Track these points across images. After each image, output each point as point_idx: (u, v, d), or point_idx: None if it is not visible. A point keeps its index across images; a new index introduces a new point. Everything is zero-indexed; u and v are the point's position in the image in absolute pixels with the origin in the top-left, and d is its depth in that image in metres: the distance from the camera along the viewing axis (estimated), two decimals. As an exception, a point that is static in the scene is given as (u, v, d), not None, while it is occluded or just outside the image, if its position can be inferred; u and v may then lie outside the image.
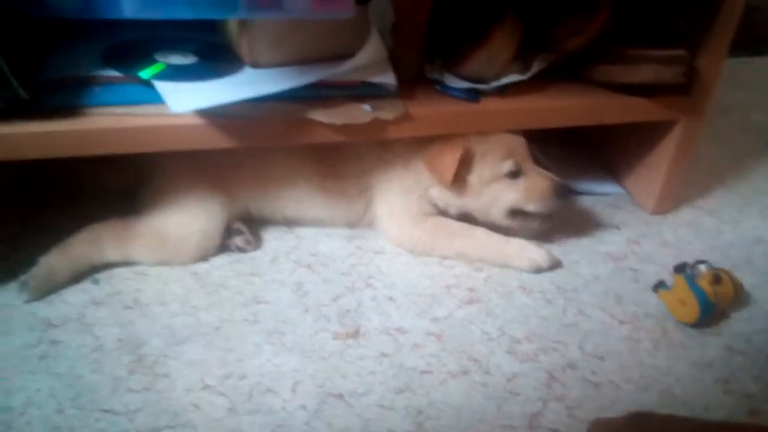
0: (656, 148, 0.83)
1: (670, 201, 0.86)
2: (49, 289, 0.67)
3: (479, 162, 0.73)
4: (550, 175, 0.74)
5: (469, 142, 0.72)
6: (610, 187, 0.91)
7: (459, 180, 0.73)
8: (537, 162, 0.85)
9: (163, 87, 0.62)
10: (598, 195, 0.90)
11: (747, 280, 0.76)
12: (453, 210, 0.77)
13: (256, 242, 0.77)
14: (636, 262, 0.78)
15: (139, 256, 0.71)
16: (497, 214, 0.75)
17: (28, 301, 0.66)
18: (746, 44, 1.69)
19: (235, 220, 0.76)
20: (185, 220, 0.72)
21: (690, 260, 0.73)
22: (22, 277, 0.67)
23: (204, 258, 0.74)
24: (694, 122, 0.78)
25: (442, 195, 0.75)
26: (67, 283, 0.68)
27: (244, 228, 0.76)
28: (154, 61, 0.67)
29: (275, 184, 0.76)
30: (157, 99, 0.62)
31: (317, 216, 0.79)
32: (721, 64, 0.74)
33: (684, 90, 0.75)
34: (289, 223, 0.80)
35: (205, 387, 0.59)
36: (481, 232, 0.76)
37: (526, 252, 0.75)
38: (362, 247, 0.79)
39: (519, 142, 0.74)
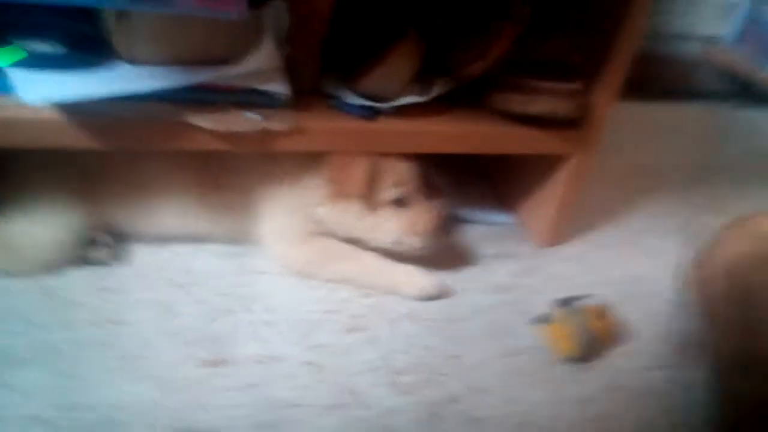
0: (549, 181, 0.84)
1: (560, 234, 0.87)
2: None
3: (377, 184, 0.70)
4: (438, 208, 0.72)
5: (373, 160, 0.69)
6: (503, 218, 0.91)
7: (355, 198, 0.69)
8: (434, 187, 0.83)
9: (17, 75, 0.55)
10: (491, 224, 0.90)
11: (629, 316, 0.77)
12: (340, 232, 0.73)
13: (122, 255, 0.69)
14: (523, 293, 0.78)
15: None
16: (381, 241, 0.72)
17: None
18: (653, 90, 1.81)
19: (99, 230, 0.69)
20: (33, 226, 0.64)
21: (575, 294, 0.73)
22: None
23: (53, 270, 0.65)
24: (586, 158, 0.79)
25: (329, 215, 0.71)
26: None
27: (109, 239, 0.68)
28: (14, 48, 0.59)
29: (149, 193, 0.70)
30: (12, 89, 0.55)
31: (196, 231, 0.72)
32: (612, 102, 0.76)
33: (577, 125, 0.76)
34: (164, 238, 0.73)
35: (42, 421, 0.52)
36: (369, 257, 0.73)
37: (415, 279, 0.72)
38: (244, 266, 0.73)
39: (410, 170, 0.71)
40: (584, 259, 0.87)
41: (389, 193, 0.70)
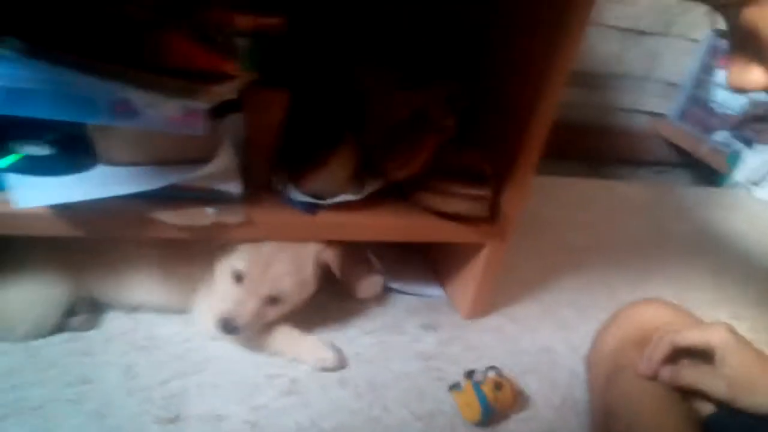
0: (469, 262, 0.97)
1: (480, 308, 1.00)
2: None
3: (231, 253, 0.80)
4: (242, 313, 0.78)
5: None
6: (433, 290, 1.04)
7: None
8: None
9: (12, 179, 0.67)
10: (422, 296, 1.02)
11: (531, 385, 0.89)
12: None
13: (94, 322, 0.81)
14: (443, 362, 0.90)
15: None
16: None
17: None
18: (606, 159, 1.97)
19: (79, 301, 0.80)
20: (24, 297, 0.75)
21: (487, 363, 0.85)
22: None
23: (38, 336, 0.77)
24: (498, 246, 0.92)
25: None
26: None
27: (85, 308, 0.80)
28: (10, 151, 0.71)
29: (121, 269, 0.81)
30: (5, 185, 0.67)
31: (157, 301, 0.84)
32: (522, 203, 0.89)
33: (490, 220, 0.89)
34: (132, 307, 0.85)
35: (16, 468, 0.62)
36: (283, 326, 0.84)
37: (317, 351, 0.83)
38: (199, 333, 0.85)
39: (269, 265, 0.79)
40: (500, 331, 0.99)
41: (230, 262, 0.79)
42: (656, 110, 2.05)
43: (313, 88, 0.87)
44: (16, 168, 0.70)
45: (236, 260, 0.79)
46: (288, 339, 0.84)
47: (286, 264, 0.79)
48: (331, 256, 0.82)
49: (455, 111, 0.94)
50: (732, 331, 0.70)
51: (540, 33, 0.82)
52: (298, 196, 0.82)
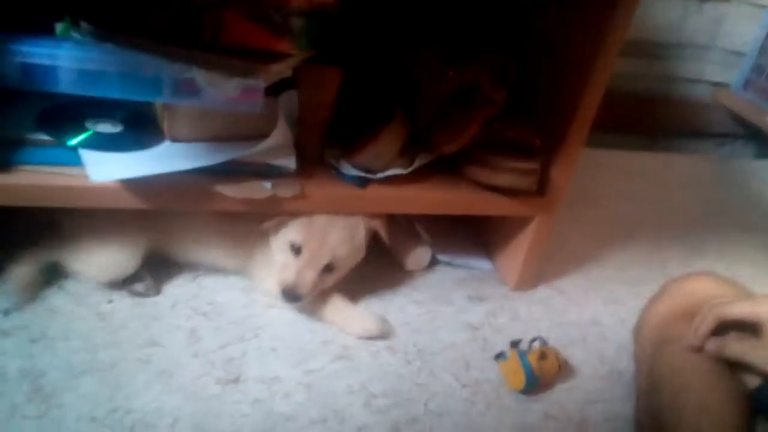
0: (518, 234, 0.98)
1: (528, 280, 1.01)
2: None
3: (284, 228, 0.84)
4: (304, 281, 0.82)
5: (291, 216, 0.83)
6: (482, 263, 1.05)
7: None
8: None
9: (86, 156, 0.72)
10: (471, 269, 1.04)
11: (577, 356, 0.91)
12: None
13: (157, 288, 0.86)
14: (489, 332, 0.92)
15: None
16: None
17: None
18: (666, 130, 1.92)
19: (143, 262, 0.86)
20: (105, 245, 0.82)
21: (533, 335, 0.87)
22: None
23: (117, 279, 0.84)
24: (546, 219, 0.93)
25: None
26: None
27: (147, 275, 0.85)
28: (83, 128, 0.76)
29: (186, 227, 0.87)
30: (80, 161, 0.72)
31: (218, 262, 0.89)
32: (569, 176, 0.90)
33: (538, 193, 0.90)
34: (194, 266, 0.90)
35: (93, 419, 0.68)
36: (334, 296, 0.88)
37: (362, 320, 0.87)
38: (257, 300, 0.89)
39: (324, 236, 0.83)
40: (547, 303, 1.01)
41: (285, 236, 0.83)
42: (719, 80, 1.97)
43: (365, 66, 0.89)
44: (88, 144, 0.75)
45: (292, 233, 0.83)
46: (337, 309, 0.88)
47: (340, 233, 0.83)
48: (379, 224, 0.86)
49: (505, 85, 0.94)
50: None
51: (590, 7, 0.81)
52: (350, 170, 0.85)
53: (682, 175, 1.65)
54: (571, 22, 0.86)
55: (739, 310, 0.72)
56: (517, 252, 0.99)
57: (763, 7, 1.86)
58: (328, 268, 0.84)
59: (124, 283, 0.85)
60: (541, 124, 0.91)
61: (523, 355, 0.82)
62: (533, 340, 0.86)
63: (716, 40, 1.89)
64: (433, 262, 1.04)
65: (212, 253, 0.89)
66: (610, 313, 1.01)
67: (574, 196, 1.33)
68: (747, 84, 1.94)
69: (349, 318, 0.88)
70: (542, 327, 0.95)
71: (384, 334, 0.88)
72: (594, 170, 1.52)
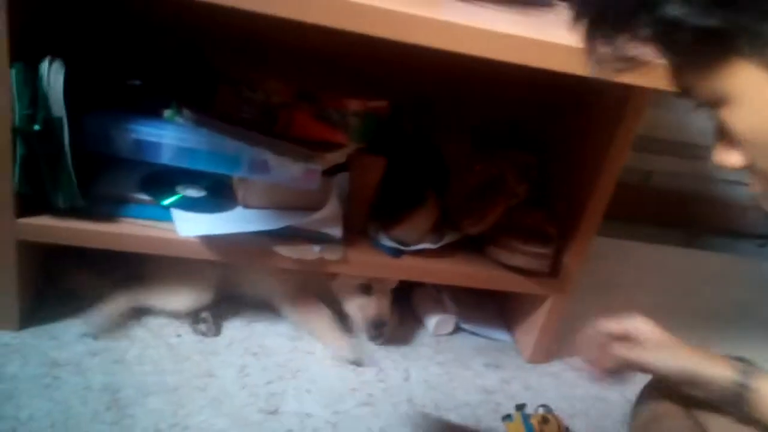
0: (534, 311, 1.10)
1: (543, 354, 1.12)
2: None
3: None
4: (379, 311, 1.02)
5: None
6: (501, 334, 1.17)
7: None
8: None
9: (176, 214, 0.91)
10: (491, 339, 1.16)
11: (579, 426, 1.00)
12: None
13: (216, 330, 1.02)
14: (501, 398, 1.03)
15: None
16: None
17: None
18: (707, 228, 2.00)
19: (205, 311, 1.02)
20: (184, 281, 0.99)
21: (541, 403, 0.97)
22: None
23: (195, 310, 1.00)
24: (560, 298, 1.05)
25: None
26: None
27: (209, 317, 1.01)
28: (175, 192, 0.95)
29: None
30: (170, 217, 0.91)
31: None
32: (580, 261, 1.02)
33: (553, 274, 1.03)
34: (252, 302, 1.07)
35: (157, 430, 0.83)
36: (322, 313, 1.04)
37: (341, 343, 1.02)
38: (298, 347, 1.04)
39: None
40: (558, 376, 1.11)
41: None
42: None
43: (406, 155, 1.05)
44: (177, 205, 0.93)
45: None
46: (325, 328, 1.03)
47: None
48: None
49: (528, 179, 1.09)
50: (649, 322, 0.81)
51: (601, 112, 0.96)
52: (387, 242, 1.00)
53: (712, 273, 1.72)
54: (585, 124, 1.01)
55: (616, 324, 0.82)
56: (533, 327, 1.11)
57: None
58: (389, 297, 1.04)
59: (191, 322, 1.01)
60: (556, 213, 1.05)
61: (526, 417, 0.93)
62: (539, 406, 0.96)
63: (756, 145, 1.98)
64: (457, 330, 1.16)
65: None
66: (617, 391, 1.10)
67: (601, 283, 1.45)
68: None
69: (334, 340, 1.02)
70: (551, 397, 1.05)
71: (357, 361, 1.01)
72: (627, 261, 1.62)
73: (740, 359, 0.78)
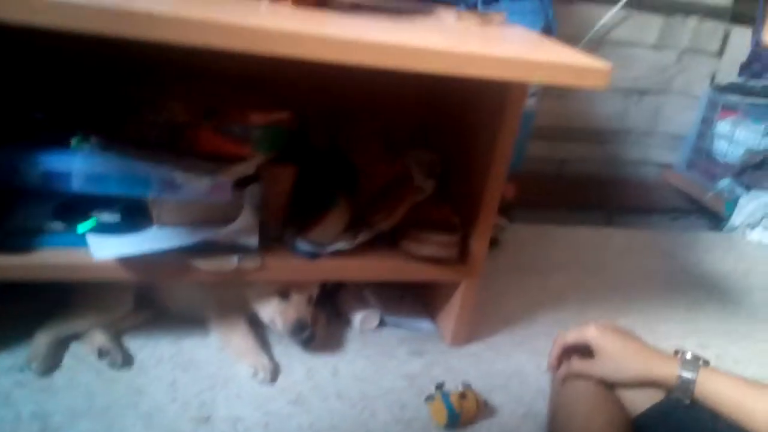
0: (450, 297, 1.17)
1: (462, 336, 1.19)
2: None
3: None
4: (299, 315, 1.05)
5: None
6: (424, 324, 1.23)
7: None
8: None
9: (91, 239, 0.93)
10: (414, 329, 1.22)
11: (498, 399, 1.07)
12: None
13: (125, 358, 1.02)
14: (425, 381, 1.09)
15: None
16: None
17: None
18: (620, 208, 2.12)
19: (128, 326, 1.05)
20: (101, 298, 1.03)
21: (461, 381, 1.04)
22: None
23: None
24: (471, 282, 1.12)
25: None
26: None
27: (112, 347, 1.01)
28: (89, 217, 0.97)
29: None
30: (86, 243, 0.93)
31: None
32: (484, 247, 1.10)
33: (461, 261, 1.10)
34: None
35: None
36: (241, 326, 1.08)
37: (257, 360, 1.04)
38: (227, 357, 1.07)
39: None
40: (478, 356, 1.18)
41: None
42: (664, 161, 2.19)
43: (317, 162, 1.11)
44: (93, 230, 0.96)
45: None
46: (238, 339, 1.07)
47: None
48: None
49: (433, 175, 1.17)
50: (602, 327, 0.90)
51: (485, 113, 1.04)
52: (303, 245, 1.05)
53: (626, 247, 1.84)
54: (475, 121, 1.09)
55: (572, 336, 0.91)
56: (451, 313, 1.18)
57: (695, 97, 2.11)
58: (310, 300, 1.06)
59: (98, 356, 1.01)
60: (459, 205, 1.12)
61: (445, 395, 0.99)
62: (459, 385, 1.03)
63: (657, 126, 2.13)
64: (382, 324, 1.22)
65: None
66: (533, 364, 1.18)
67: (516, 267, 1.54)
68: (690, 164, 2.17)
69: (248, 351, 1.06)
70: (471, 376, 1.12)
71: (271, 374, 1.04)
72: (541, 244, 1.72)
73: (681, 352, 0.88)
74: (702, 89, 2.10)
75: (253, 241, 1.02)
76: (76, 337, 1.02)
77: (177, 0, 0.74)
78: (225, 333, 1.08)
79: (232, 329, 1.08)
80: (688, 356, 0.87)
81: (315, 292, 1.11)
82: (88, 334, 1.02)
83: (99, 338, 1.01)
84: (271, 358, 1.07)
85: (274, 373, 1.05)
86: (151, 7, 0.66)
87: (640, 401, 0.90)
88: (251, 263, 1.00)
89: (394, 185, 1.10)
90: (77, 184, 0.93)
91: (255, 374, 1.03)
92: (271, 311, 1.07)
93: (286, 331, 1.06)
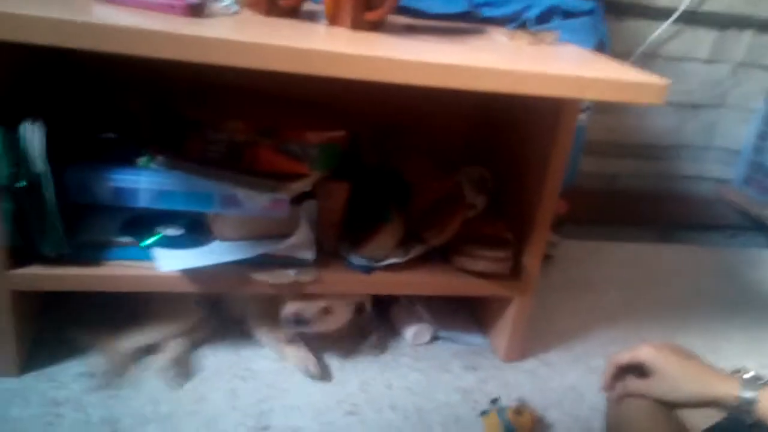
0: (504, 313, 1.17)
1: (516, 352, 1.19)
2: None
3: None
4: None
5: None
6: (476, 339, 1.24)
7: None
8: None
9: (157, 252, 0.98)
10: (467, 344, 1.23)
11: (553, 416, 1.07)
12: None
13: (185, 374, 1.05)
14: (479, 396, 1.09)
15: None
16: None
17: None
18: (674, 225, 2.08)
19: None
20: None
21: (516, 397, 1.04)
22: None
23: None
24: (524, 298, 1.12)
25: None
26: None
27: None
28: (155, 232, 1.02)
29: None
30: (151, 256, 0.98)
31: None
32: (537, 263, 1.10)
33: (514, 277, 1.10)
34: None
35: (155, 454, 0.89)
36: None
37: (305, 358, 1.07)
38: (285, 368, 1.09)
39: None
40: (533, 373, 1.18)
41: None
42: (720, 176, 2.14)
43: (370, 179, 1.13)
44: (158, 244, 1.01)
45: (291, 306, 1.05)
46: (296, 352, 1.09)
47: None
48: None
49: (485, 191, 1.18)
50: (657, 347, 0.87)
51: (539, 126, 1.05)
52: (357, 260, 1.07)
53: (682, 265, 1.80)
54: (528, 136, 1.10)
55: (627, 356, 0.89)
56: (505, 328, 1.18)
57: (751, 111, 2.06)
58: (326, 311, 1.06)
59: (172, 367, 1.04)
60: (512, 220, 1.12)
61: (501, 410, 0.99)
62: (514, 400, 1.03)
63: (713, 140, 2.08)
64: (435, 339, 1.23)
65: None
66: (588, 382, 1.17)
67: (569, 283, 1.52)
68: (747, 180, 2.11)
69: (297, 354, 1.08)
70: (526, 391, 1.11)
71: (322, 375, 1.07)
72: (593, 260, 1.70)
73: (742, 371, 0.85)
74: (758, 103, 2.05)
75: (309, 255, 1.05)
76: (148, 347, 1.06)
77: (242, 29, 0.79)
78: (270, 337, 1.11)
79: (277, 334, 1.11)
80: (749, 375, 0.85)
81: (367, 300, 1.12)
82: (161, 345, 1.05)
83: (172, 350, 1.05)
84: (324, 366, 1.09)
85: (325, 373, 1.07)
86: (218, 33, 0.71)
87: (699, 421, 0.88)
88: (307, 276, 1.03)
89: (445, 201, 1.12)
90: (144, 201, 0.98)
91: (305, 370, 1.06)
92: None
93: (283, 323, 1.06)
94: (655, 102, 0.81)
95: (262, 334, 1.13)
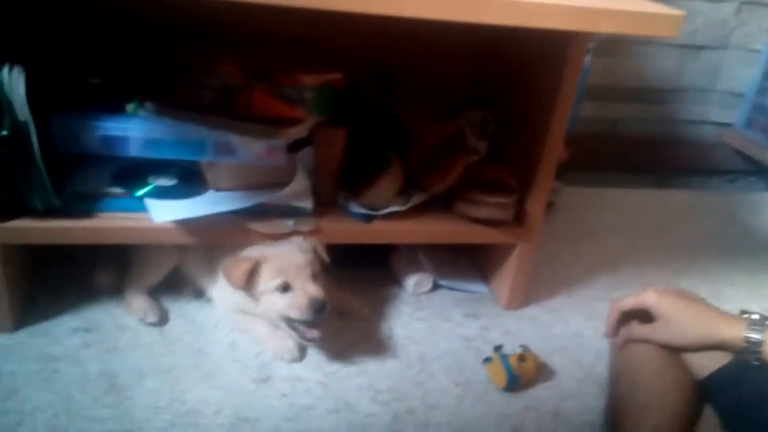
0: (506, 260, 1.15)
1: (518, 300, 1.17)
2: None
3: (259, 277, 0.95)
4: (316, 291, 0.93)
5: (256, 259, 0.94)
6: (478, 287, 1.22)
7: (249, 287, 0.95)
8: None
9: (150, 203, 0.94)
10: (469, 292, 1.21)
11: (557, 362, 1.06)
12: (248, 310, 1.00)
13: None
14: (482, 343, 1.08)
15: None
16: (275, 318, 0.98)
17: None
18: (675, 169, 2.05)
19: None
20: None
21: (520, 344, 1.03)
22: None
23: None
24: (527, 245, 1.10)
25: (238, 298, 0.99)
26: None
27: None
28: (147, 182, 0.98)
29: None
30: (145, 207, 0.94)
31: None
32: (541, 209, 1.07)
33: (517, 224, 1.08)
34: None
35: (157, 408, 0.87)
36: (261, 321, 1.00)
37: (279, 343, 0.98)
38: (285, 319, 1.08)
39: (293, 262, 0.94)
40: (535, 319, 1.16)
41: (270, 283, 0.94)
42: (722, 120, 2.10)
43: (369, 124, 1.09)
44: (150, 194, 0.97)
45: (272, 282, 0.94)
46: (261, 330, 1.00)
47: (297, 253, 0.95)
48: (316, 242, 0.99)
49: (487, 136, 1.14)
50: (661, 291, 0.86)
51: (545, 68, 1.01)
52: (357, 209, 1.04)
53: (684, 209, 1.78)
54: (532, 78, 1.05)
55: (630, 301, 0.88)
56: (507, 276, 1.16)
57: (756, 51, 2.00)
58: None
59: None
60: (516, 165, 1.09)
61: (504, 357, 0.98)
62: (519, 347, 1.01)
63: (715, 83, 2.03)
64: (436, 287, 1.21)
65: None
66: (592, 328, 1.15)
67: (571, 229, 1.50)
68: (750, 123, 2.07)
69: (269, 337, 1.00)
70: (529, 338, 1.10)
71: (293, 355, 0.98)
72: (595, 206, 1.68)
73: (747, 312, 0.83)
74: (762, 43, 1.99)
75: (307, 204, 1.02)
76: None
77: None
78: (242, 324, 1.04)
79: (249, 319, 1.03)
80: (756, 316, 0.83)
81: (315, 267, 0.97)
82: (128, 297, 1.03)
83: (140, 300, 1.03)
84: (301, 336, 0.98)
85: (302, 352, 1.00)
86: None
87: (705, 364, 0.87)
88: (306, 226, 1.00)
89: (447, 147, 1.08)
90: (134, 150, 0.94)
91: (281, 359, 0.98)
92: (281, 307, 0.96)
93: (306, 317, 0.94)
94: (670, 35, 0.77)
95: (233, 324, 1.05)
